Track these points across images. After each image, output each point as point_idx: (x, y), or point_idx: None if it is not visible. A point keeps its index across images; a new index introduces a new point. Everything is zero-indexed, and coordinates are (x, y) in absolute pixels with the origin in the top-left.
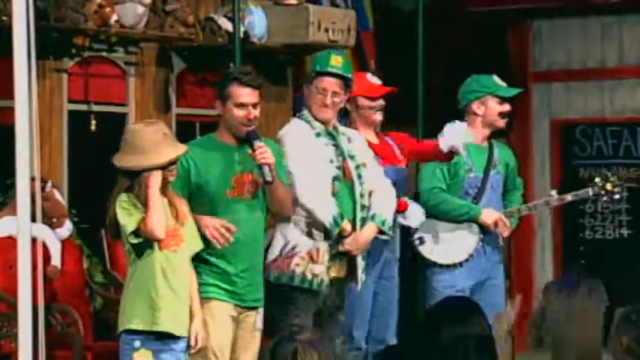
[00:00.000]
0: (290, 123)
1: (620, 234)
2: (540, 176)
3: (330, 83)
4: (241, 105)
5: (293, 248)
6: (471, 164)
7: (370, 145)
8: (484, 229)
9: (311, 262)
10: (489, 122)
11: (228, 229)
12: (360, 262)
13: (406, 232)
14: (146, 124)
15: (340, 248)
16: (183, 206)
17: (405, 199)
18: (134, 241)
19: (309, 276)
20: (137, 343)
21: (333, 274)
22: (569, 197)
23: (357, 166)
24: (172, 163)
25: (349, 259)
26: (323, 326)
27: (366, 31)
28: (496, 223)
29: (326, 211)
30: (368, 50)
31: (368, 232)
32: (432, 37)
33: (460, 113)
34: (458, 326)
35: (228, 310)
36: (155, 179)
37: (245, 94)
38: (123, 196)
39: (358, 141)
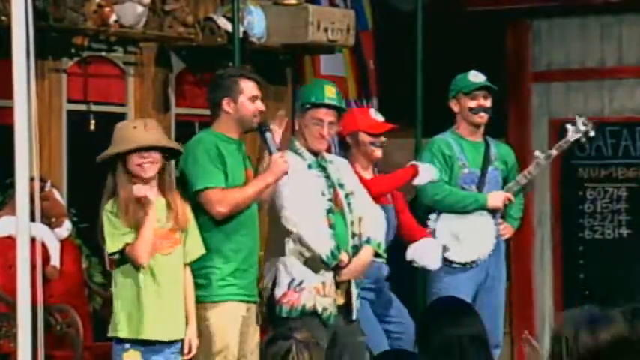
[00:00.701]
0: None
1: (619, 234)
2: (539, 176)
3: (327, 114)
4: (254, 98)
5: (300, 283)
6: (464, 160)
7: (363, 180)
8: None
9: (318, 295)
10: (465, 119)
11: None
12: (354, 291)
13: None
14: (129, 121)
15: (338, 279)
16: (187, 209)
17: (413, 162)
18: (115, 256)
19: (319, 309)
20: (127, 345)
21: (338, 302)
22: (554, 151)
23: (347, 195)
24: (145, 149)
25: (347, 286)
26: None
27: (365, 31)
28: (504, 203)
29: (324, 244)
30: (367, 50)
31: (365, 255)
32: (431, 36)
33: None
34: (452, 327)
35: (242, 310)
36: (123, 177)
37: (254, 88)
38: (108, 205)
39: (346, 169)
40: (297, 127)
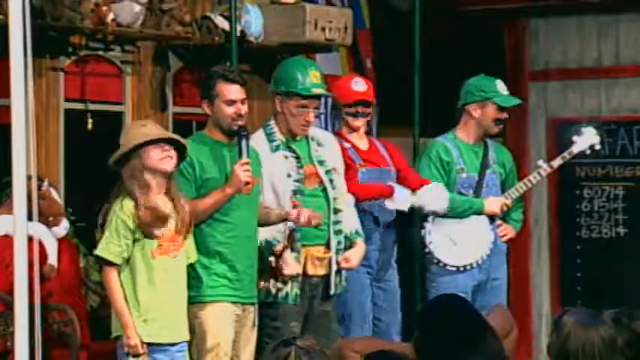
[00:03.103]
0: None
1: (616, 233)
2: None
3: (312, 101)
4: (231, 102)
5: None
6: (462, 164)
7: (357, 150)
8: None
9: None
10: (484, 126)
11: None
12: (334, 267)
13: (404, 236)
14: (136, 122)
15: (345, 265)
16: (187, 215)
17: (390, 183)
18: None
19: (273, 291)
20: None
21: (318, 273)
22: (557, 162)
23: (328, 171)
24: (164, 141)
25: (329, 260)
26: (316, 331)
27: (363, 30)
28: (502, 209)
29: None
30: (364, 49)
31: (361, 247)
32: (428, 35)
33: (455, 111)
34: (451, 324)
35: (235, 310)
36: (139, 173)
37: (233, 91)
38: (117, 205)
39: (329, 145)
40: (278, 109)
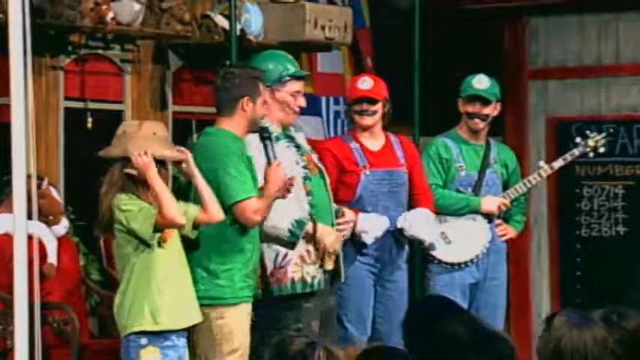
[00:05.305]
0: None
1: (616, 231)
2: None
3: (300, 85)
4: (265, 102)
5: (285, 256)
6: (462, 162)
7: (367, 152)
8: (491, 223)
9: (304, 264)
10: (464, 122)
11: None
12: (340, 254)
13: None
14: (142, 122)
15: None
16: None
17: (359, 213)
18: (154, 241)
19: (308, 279)
20: (144, 341)
21: (328, 266)
22: (558, 163)
23: (318, 158)
24: (161, 162)
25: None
26: (324, 327)
27: (363, 29)
28: (499, 208)
29: (280, 226)
30: (364, 48)
31: (350, 215)
32: (428, 34)
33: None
34: (442, 325)
35: (249, 308)
36: (154, 169)
37: (265, 93)
38: (123, 198)
39: (302, 135)
40: (268, 102)
